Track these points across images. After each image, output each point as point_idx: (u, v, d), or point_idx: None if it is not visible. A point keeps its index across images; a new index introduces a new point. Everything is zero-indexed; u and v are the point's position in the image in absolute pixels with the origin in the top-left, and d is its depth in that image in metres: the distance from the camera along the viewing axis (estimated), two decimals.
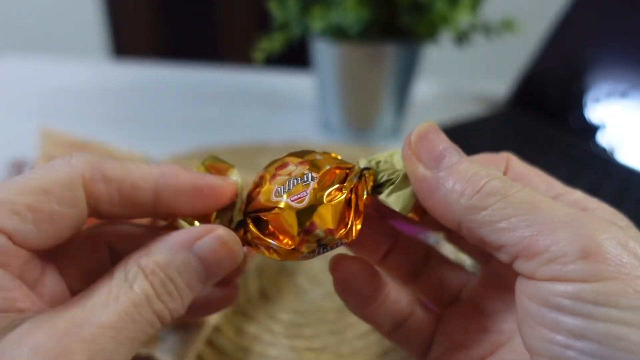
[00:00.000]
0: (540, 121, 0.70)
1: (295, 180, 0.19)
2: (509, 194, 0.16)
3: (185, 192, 0.18)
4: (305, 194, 0.19)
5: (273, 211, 0.19)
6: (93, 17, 1.61)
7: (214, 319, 0.34)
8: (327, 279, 0.41)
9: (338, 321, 0.37)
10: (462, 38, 0.56)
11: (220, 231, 0.17)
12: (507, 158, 0.21)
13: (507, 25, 0.55)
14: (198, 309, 0.21)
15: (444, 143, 0.19)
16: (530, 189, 0.17)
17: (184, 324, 0.31)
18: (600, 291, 0.14)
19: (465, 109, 0.74)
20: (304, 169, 0.19)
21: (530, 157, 0.64)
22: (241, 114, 0.72)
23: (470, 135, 0.65)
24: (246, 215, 0.20)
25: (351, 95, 0.61)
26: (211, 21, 1.70)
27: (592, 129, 0.65)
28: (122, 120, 0.69)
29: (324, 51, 0.59)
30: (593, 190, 0.54)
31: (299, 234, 0.18)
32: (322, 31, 0.56)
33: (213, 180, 0.19)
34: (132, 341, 0.15)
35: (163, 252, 0.16)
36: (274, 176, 0.20)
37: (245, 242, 0.20)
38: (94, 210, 0.17)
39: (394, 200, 0.19)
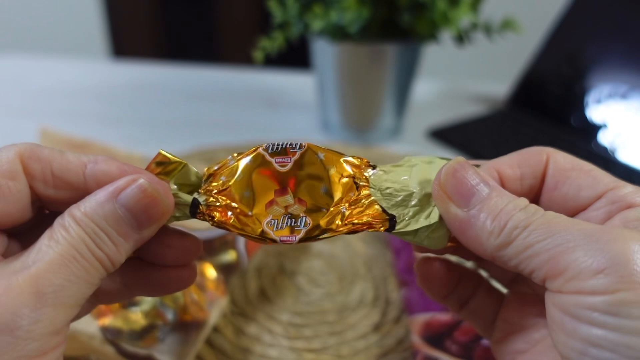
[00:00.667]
0: (541, 121, 0.69)
1: (289, 221, 0.20)
2: (529, 224, 0.17)
3: (114, 177, 0.19)
4: (294, 239, 0.20)
5: (253, 233, 0.20)
6: (93, 17, 1.61)
7: (213, 319, 0.33)
8: (327, 281, 0.41)
9: (338, 322, 0.37)
10: (462, 37, 0.56)
11: (142, 180, 0.18)
12: (548, 154, 0.21)
13: (508, 25, 0.55)
14: (157, 287, 0.22)
15: (472, 179, 0.19)
16: (551, 212, 0.18)
17: (184, 324, 0.31)
18: (613, 302, 0.15)
19: (465, 109, 0.74)
20: (301, 210, 0.20)
21: None
22: (241, 114, 0.72)
23: (471, 135, 0.65)
24: (209, 194, 0.20)
25: (351, 95, 0.61)
26: (211, 21, 1.70)
27: (593, 129, 0.64)
28: (121, 120, 0.68)
29: (323, 51, 0.59)
30: None
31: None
32: (322, 30, 0.56)
33: (138, 170, 0.20)
34: (78, 278, 0.17)
35: (92, 203, 0.18)
36: (270, 202, 0.20)
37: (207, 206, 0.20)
38: (33, 191, 0.19)
39: (428, 242, 0.20)
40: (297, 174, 0.20)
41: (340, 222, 0.20)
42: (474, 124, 0.69)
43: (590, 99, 0.66)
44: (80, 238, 0.17)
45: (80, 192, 0.19)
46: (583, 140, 0.64)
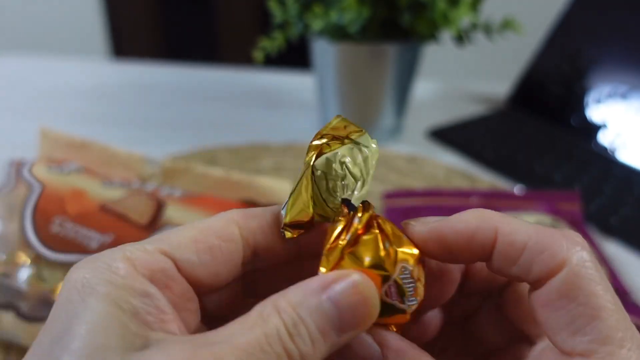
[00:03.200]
0: (541, 120, 0.69)
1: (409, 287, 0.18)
2: None
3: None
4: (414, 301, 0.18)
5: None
6: (93, 17, 1.61)
7: None
8: None
9: None
10: (462, 37, 0.56)
11: (356, 276, 0.17)
12: (564, 260, 0.17)
13: (508, 25, 0.55)
14: None
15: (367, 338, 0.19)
16: None
17: None
18: None
19: (465, 109, 0.74)
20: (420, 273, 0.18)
21: (532, 156, 0.65)
22: (241, 114, 0.72)
23: (471, 135, 0.65)
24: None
25: (351, 95, 0.61)
26: (211, 21, 1.70)
27: (593, 128, 0.64)
28: (121, 120, 0.68)
29: (323, 51, 0.59)
30: (594, 189, 0.54)
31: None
32: (322, 30, 0.56)
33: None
34: None
35: (297, 294, 0.16)
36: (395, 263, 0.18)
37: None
38: (252, 247, 0.19)
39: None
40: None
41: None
42: (474, 124, 0.69)
43: (590, 99, 0.66)
44: (276, 328, 0.15)
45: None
46: (583, 140, 0.64)
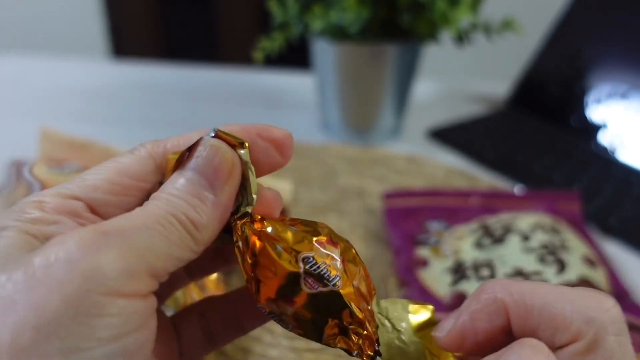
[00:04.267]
0: (541, 121, 0.69)
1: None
2: None
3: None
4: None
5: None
6: (93, 17, 1.61)
7: None
8: None
9: None
10: (462, 38, 0.56)
11: (205, 137, 0.18)
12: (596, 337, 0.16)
13: (508, 25, 0.55)
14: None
15: None
16: None
17: None
18: None
19: (465, 109, 0.74)
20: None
21: (532, 156, 0.64)
22: (241, 114, 0.72)
23: (471, 135, 0.65)
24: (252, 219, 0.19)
25: (351, 95, 0.61)
26: (211, 21, 1.70)
27: (593, 129, 0.64)
28: (122, 120, 0.68)
29: (323, 51, 0.59)
30: (594, 189, 0.54)
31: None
32: (322, 30, 0.56)
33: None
34: (170, 242, 0.16)
35: (167, 186, 0.17)
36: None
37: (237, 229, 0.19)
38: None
39: None
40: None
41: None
42: (474, 124, 0.69)
43: (590, 99, 0.66)
44: (164, 211, 0.16)
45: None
46: (583, 140, 0.64)
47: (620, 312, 0.16)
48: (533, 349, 0.15)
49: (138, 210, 0.16)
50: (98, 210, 0.17)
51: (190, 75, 0.84)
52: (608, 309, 0.16)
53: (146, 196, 0.18)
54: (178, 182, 0.17)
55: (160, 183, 0.19)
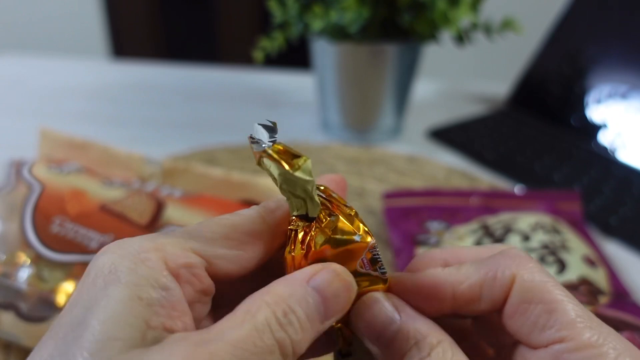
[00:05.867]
0: (541, 121, 0.69)
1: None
2: None
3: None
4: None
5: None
6: (93, 17, 1.61)
7: None
8: None
9: None
10: (462, 37, 0.56)
11: (335, 266, 0.18)
12: (514, 275, 0.18)
13: (508, 25, 0.55)
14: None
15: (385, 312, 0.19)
16: None
17: None
18: None
19: (465, 109, 0.74)
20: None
21: (532, 156, 0.64)
22: (241, 114, 0.72)
23: (471, 135, 0.65)
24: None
25: (351, 95, 0.61)
26: (211, 21, 1.70)
27: (593, 128, 0.64)
28: (122, 120, 0.68)
29: (323, 51, 0.59)
30: (594, 188, 0.54)
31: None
32: (322, 30, 0.56)
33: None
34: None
35: (284, 287, 0.17)
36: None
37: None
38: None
39: None
40: None
41: None
42: (474, 124, 0.69)
43: (590, 98, 0.66)
44: (267, 321, 0.16)
45: None
46: (583, 140, 0.64)
47: (531, 259, 0.19)
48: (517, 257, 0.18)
49: (234, 324, 0.16)
50: (213, 264, 0.18)
51: (190, 75, 0.84)
52: (522, 262, 0.18)
53: (261, 253, 0.19)
54: (297, 294, 0.17)
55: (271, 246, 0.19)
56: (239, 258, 0.18)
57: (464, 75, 1.53)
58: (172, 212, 0.38)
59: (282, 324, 0.16)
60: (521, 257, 0.18)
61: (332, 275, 0.18)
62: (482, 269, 0.19)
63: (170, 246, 0.17)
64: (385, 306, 0.19)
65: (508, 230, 0.42)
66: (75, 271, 0.34)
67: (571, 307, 0.17)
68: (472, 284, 0.19)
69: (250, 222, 0.19)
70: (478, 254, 0.20)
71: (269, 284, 0.17)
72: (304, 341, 0.17)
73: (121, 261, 0.16)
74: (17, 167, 0.40)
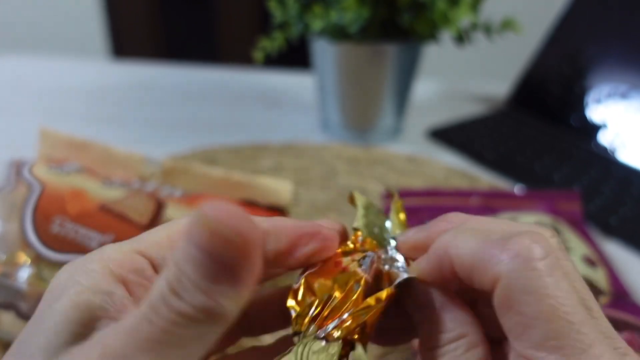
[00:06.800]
0: (541, 120, 0.69)
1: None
2: None
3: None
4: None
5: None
6: (93, 17, 1.61)
7: None
8: None
9: None
10: (462, 37, 0.56)
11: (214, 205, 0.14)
12: (499, 276, 0.16)
13: (508, 25, 0.55)
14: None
15: None
16: None
17: None
18: None
19: (465, 109, 0.74)
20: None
21: (532, 156, 0.64)
22: (241, 114, 0.72)
23: (471, 135, 0.65)
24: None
25: (351, 95, 0.61)
26: (211, 21, 1.70)
27: (593, 128, 0.64)
28: (122, 120, 0.68)
29: (323, 51, 0.59)
30: (594, 188, 0.54)
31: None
32: (322, 30, 0.56)
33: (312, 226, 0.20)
34: (153, 343, 0.14)
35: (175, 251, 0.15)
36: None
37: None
38: None
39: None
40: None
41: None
42: (474, 124, 0.69)
43: (590, 98, 0.66)
44: (159, 294, 0.15)
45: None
46: (583, 140, 0.64)
47: (523, 256, 0.16)
48: (533, 236, 0.16)
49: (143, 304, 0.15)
50: (161, 265, 0.18)
51: (190, 75, 0.84)
52: (509, 260, 0.16)
53: None
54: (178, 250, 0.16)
55: None
56: None
57: (464, 75, 1.53)
58: (172, 212, 0.38)
59: (175, 288, 0.14)
60: (511, 250, 0.16)
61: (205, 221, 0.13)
62: (481, 246, 0.17)
63: (114, 253, 0.17)
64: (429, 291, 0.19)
65: None
66: None
67: (562, 320, 0.15)
68: (462, 254, 0.17)
69: None
70: (501, 228, 0.18)
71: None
72: (203, 300, 0.14)
73: (69, 275, 0.17)
74: (17, 167, 0.40)
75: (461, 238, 0.18)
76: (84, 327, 0.15)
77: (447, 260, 0.18)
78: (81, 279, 0.16)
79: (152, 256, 0.17)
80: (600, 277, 0.39)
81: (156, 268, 0.17)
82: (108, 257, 0.17)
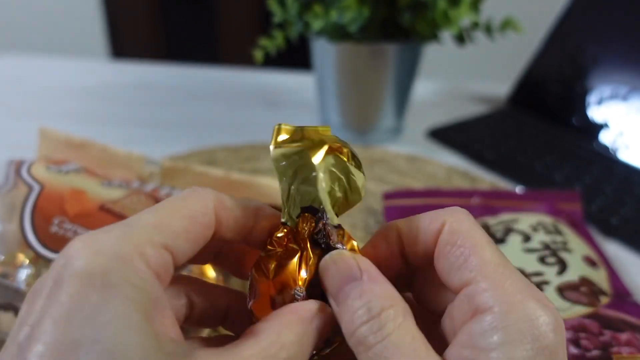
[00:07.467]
0: (541, 120, 0.69)
1: None
2: (375, 344, 0.17)
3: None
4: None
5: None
6: (93, 17, 1.61)
7: None
8: None
9: None
10: (463, 37, 0.56)
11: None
12: (444, 222, 0.19)
13: (508, 25, 0.55)
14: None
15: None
16: (402, 334, 0.18)
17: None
18: None
19: (465, 109, 0.74)
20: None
21: (532, 156, 0.64)
22: (241, 114, 0.72)
23: (471, 135, 0.65)
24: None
25: (351, 95, 0.61)
26: (211, 21, 1.70)
27: (594, 128, 0.64)
28: (121, 120, 0.68)
29: (323, 50, 0.59)
30: (595, 189, 0.54)
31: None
32: (322, 30, 0.56)
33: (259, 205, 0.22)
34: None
35: (293, 335, 0.18)
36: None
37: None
38: (216, 233, 0.20)
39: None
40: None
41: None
42: (474, 124, 0.69)
43: (591, 98, 0.66)
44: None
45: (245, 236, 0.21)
46: (584, 140, 0.64)
47: (463, 211, 0.20)
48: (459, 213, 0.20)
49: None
50: (176, 259, 0.18)
51: (190, 75, 0.84)
52: (454, 212, 0.20)
53: (205, 244, 0.19)
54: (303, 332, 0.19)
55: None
56: (193, 252, 0.19)
57: (464, 75, 1.53)
58: None
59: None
60: (457, 210, 0.20)
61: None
62: (423, 217, 0.20)
63: (147, 248, 0.17)
64: (350, 264, 0.19)
65: (509, 230, 0.42)
66: None
67: (488, 252, 0.18)
68: (411, 224, 0.20)
69: (203, 213, 0.19)
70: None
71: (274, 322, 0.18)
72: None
73: (112, 269, 0.15)
74: (17, 167, 0.40)
75: (407, 219, 0.21)
76: (155, 330, 0.16)
77: (393, 232, 0.20)
78: (131, 279, 0.15)
79: (174, 250, 0.18)
80: (601, 277, 0.39)
81: (175, 260, 0.18)
82: (145, 252, 0.16)
